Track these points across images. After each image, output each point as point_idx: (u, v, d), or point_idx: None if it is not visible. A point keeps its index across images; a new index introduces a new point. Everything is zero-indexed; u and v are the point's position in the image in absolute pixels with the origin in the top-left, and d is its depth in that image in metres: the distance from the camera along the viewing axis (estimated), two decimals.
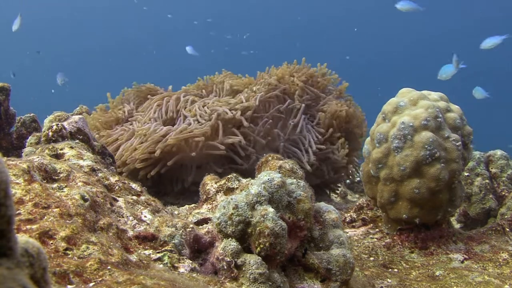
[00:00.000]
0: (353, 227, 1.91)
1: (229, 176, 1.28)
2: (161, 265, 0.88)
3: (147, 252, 0.92)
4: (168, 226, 0.98)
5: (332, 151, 2.48)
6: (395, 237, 1.74)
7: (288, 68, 2.64)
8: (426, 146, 1.59)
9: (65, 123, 1.31)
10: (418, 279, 1.45)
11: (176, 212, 1.48)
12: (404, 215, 1.66)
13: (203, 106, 2.34)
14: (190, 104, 2.40)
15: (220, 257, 0.92)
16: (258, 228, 0.92)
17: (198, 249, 1.01)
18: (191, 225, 1.01)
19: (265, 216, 0.92)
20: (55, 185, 0.96)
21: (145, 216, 1.08)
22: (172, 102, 2.44)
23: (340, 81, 2.82)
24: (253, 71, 2.76)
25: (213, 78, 2.76)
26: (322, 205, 1.13)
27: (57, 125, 1.28)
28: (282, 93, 2.50)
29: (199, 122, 2.25)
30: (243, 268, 0.90)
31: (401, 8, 5.46)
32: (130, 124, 2.44)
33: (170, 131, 2.20)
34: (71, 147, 1.22)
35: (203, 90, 2.68)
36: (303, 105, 2.50)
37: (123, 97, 2.72)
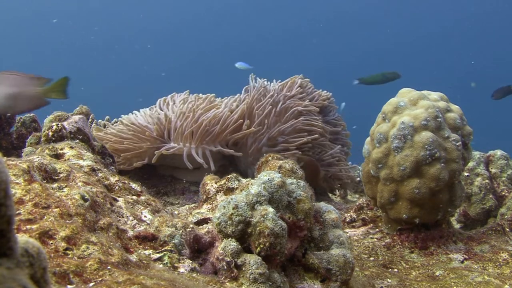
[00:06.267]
0: (353, 227, 1.91)
1: (229, 176, 1.28)
2: (161, 265, 0.88)
3: (147, 252, 0.92)
4: (168, 226, 0.98)
5: None
6: (395, 237, 1.73)
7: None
8: (426, 146, 1.59)
9: (65, 123, 1.31)
10: (418, 279, 1.45)
11: (176, 212, 1.48)
12: (404, 215, 1.66)
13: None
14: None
15: (220, 257, 0.92)
16: (258, 228, 0.92)
17: (198, 249, 1.01)
18: (191, 225, 1.01)
19: (265, 216, 0.92)
20: (55, 185, 0.96)
21: (145, 216, 1.08)
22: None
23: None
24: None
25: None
26: (322, 205, 1.13)
27: (57, 125, 1.28)
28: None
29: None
30: (243, 268, 0.90)
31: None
32: None
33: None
34: (71, 147, 1.22)
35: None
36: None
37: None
